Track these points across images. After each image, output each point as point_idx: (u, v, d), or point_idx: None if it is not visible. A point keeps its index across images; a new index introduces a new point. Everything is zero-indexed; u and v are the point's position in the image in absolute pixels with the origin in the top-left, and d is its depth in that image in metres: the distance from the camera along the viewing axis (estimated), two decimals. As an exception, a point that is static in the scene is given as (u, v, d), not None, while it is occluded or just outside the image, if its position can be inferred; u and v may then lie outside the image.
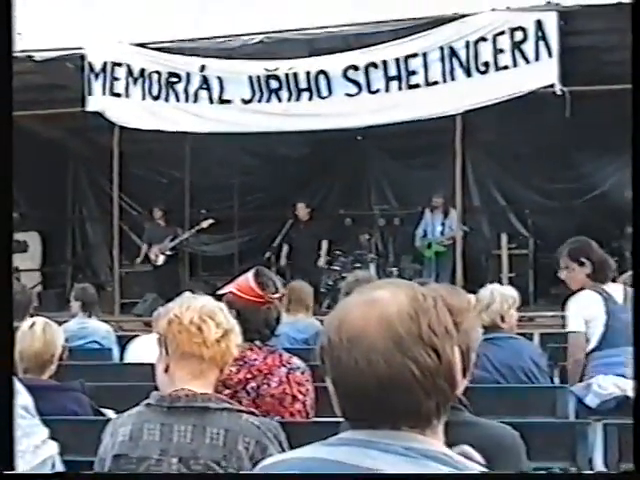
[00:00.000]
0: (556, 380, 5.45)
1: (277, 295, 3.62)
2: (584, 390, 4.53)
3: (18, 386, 2.56)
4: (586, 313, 5.03)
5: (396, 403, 1.45)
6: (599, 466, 3.74)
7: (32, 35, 12.34)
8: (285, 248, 12.00)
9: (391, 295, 1.49)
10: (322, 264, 11.89)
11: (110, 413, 3.94)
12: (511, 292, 5.12)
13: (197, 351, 2.60)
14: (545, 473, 2.40)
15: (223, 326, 2.67)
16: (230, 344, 2.68)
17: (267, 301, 3.56)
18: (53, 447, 2.62)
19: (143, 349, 5.80)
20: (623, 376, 4.68)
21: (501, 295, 4.98)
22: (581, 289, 5.18)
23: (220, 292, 3.66)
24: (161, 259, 11.95)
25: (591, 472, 2.25)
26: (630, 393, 4.40)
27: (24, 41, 13.22)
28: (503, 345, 4.88)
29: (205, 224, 12.01)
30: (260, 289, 3.56)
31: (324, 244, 12.02)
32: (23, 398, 2.60)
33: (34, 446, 2.57)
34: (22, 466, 2.56)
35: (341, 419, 1.55)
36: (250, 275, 3.63)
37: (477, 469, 1.48)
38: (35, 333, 3.89)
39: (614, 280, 5.29)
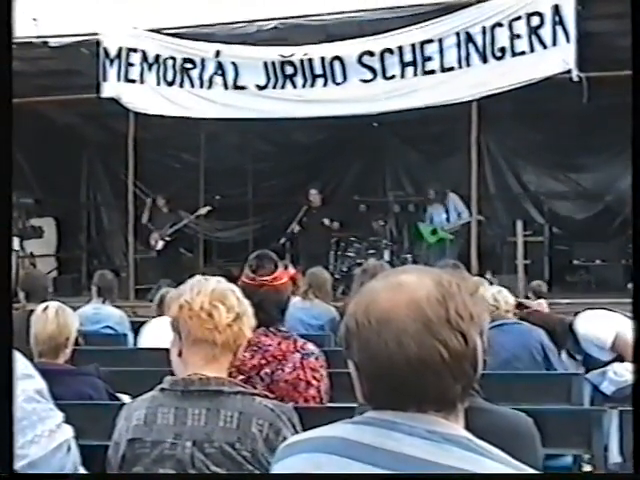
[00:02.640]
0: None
1: (268, 278, 3.59)
2: (599, 377, 4.52)
3: (32, 370, 2.58)
4: None
5: (424, 386, 1.45)
6: (614, 453, 3.73)
7: (47, 20, 12.37)
8: (298, 234, 12.04)
9: (418, 279, 1.50)
10: (340, 250, 11.93)
11: (125, 398, 3.96)
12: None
13: (209, 337, 2.59)
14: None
15: (235, 309, 2.64)
16: (243, 327, 2.66)
17: (261, 284, 3.56)
18: (68, 431, 2.62)
19: (156, 332, 5.84)
20: None
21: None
22: None
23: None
24: (160, 244, 12.11)
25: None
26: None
27: (39, 27, 13.26)
28: (512, 331, 4.97)
29: (203, 211, 12.22)
30: (251, 271, 3.58)
31: (335, 224, 12.08)
32: (37, 382, 2.60)
33: (49, 430, 2.57)
34: (38, 451, 2.57)
35: (355, 405, 1.54)
36: (250, 258, 3.67)
37: (497, 454, 1.48)
38: (48, 317, 3.93)
39: None
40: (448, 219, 11.73)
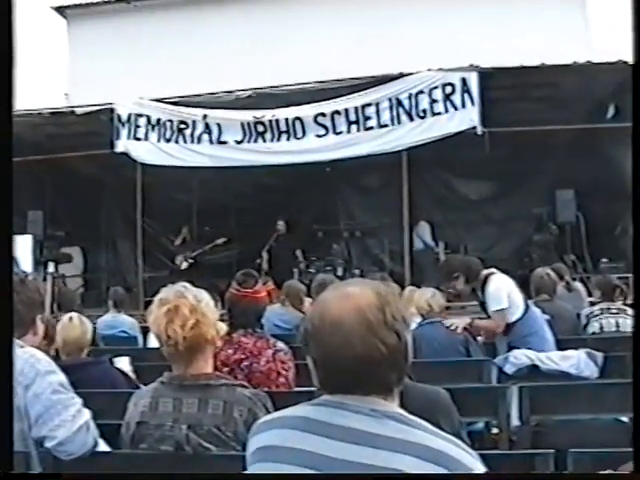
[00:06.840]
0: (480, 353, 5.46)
1: (250, 290, 3.56)
2: (503, 361, 4.54)
3: (54, 367, 2.58)
4: (508, 294, 5.06)
5: (368, 375, 1.44)
6: (514, 419, 3.73)
7: (75, 95, 12.30)
8: (266, 256, 12.00)
9: (361, 291, 1.49)
10: (303, 268, 11.93)
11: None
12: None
13: (195, 353, 2.50)
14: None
15: (210, 332, 2.52)
16: (218, 331, 2.58)
17: (244, 295, 3.53)
18: (87, 414, 2.57)
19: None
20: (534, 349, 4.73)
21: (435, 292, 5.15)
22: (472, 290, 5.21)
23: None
24: (184, 265, 12.30)
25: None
26: (538, 363, 4.41)
27: (69, 99, 13.18)
28: (441, 327, 5.00)
29: (220, 241, 12.41)
30: (237, 284, 3.56)
31: (299, 253, 12.09)
32: (59, 376, 2.57)
33: (72, 416, 2.52)
34: (64, 432, 2.52)
35: (314, 389, 1.52)
36: (237, 274, 3.65)
37: (425, 425, 1.47)
38: (74, 324, 3.95)
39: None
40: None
